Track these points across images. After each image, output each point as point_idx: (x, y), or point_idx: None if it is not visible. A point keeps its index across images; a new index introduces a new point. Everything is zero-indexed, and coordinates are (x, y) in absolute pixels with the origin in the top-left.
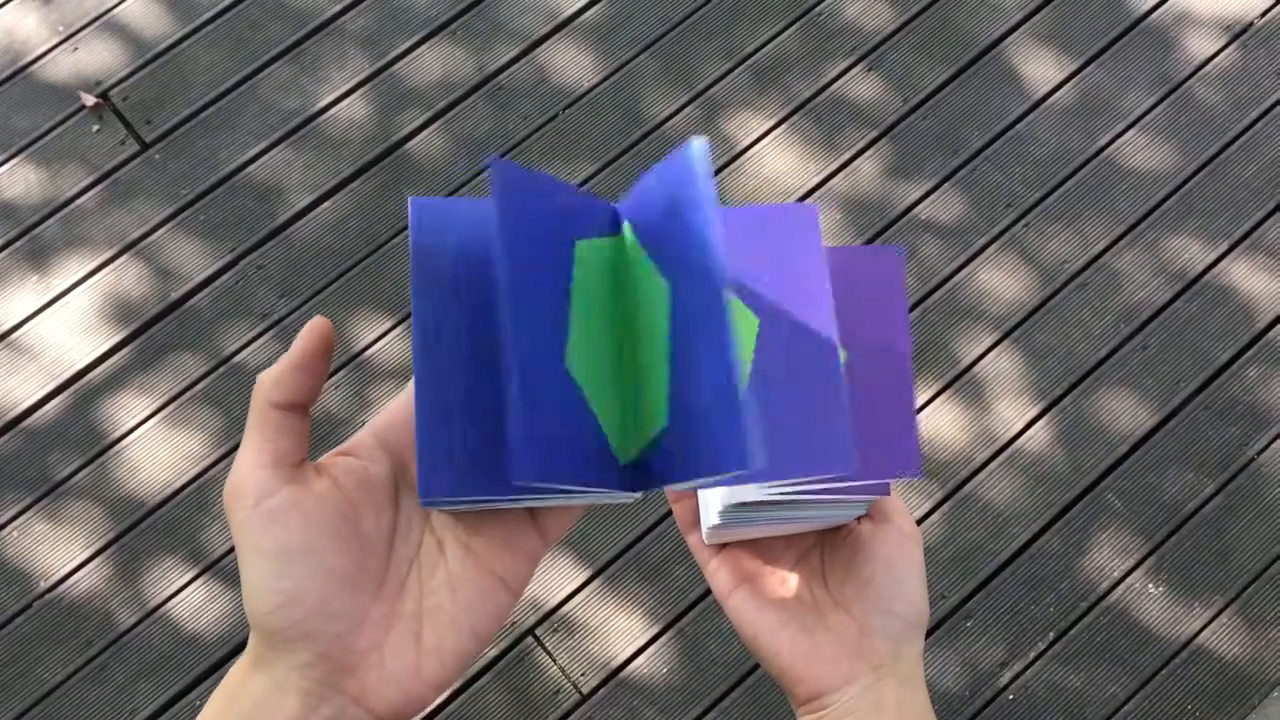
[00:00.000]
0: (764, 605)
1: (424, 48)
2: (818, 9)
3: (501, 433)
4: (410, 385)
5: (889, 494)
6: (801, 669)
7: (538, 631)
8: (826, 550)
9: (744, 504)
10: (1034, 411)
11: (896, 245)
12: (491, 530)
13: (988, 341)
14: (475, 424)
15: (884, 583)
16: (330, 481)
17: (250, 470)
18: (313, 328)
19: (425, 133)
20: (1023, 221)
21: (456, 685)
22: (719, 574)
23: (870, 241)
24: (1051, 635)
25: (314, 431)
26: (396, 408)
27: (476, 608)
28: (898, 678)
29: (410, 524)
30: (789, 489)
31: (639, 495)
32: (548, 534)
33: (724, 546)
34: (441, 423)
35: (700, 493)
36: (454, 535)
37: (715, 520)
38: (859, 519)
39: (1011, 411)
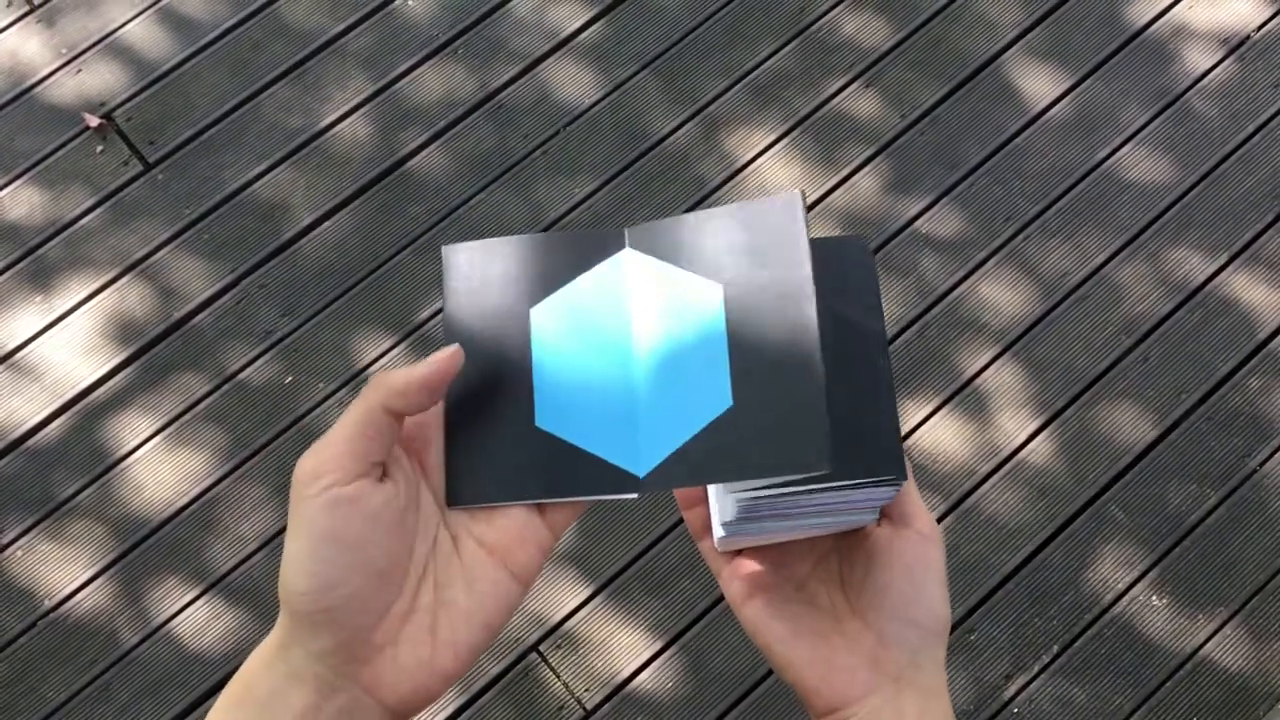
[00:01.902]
0: (778, 614)
1: (425, 67)
2: (815, 26)
3: (519, 446)
4: None
5: (894, 497)
6: (818, 680)
7: (541, 647)
8: (843, 556)
9: (748, 508)
10: (1036, 424)
11: (859, 235)
12: (504, 525)
13: (989, 355)
14: (497, 437)
15: (902, 589)
16: (393, 484)
17: (336, 455)
18: (452, 355)
19: (427, 151)
20: (1022, 235)
21: (460, 702)
22: (732, 582)
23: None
24: (1056, 648)
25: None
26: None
27: (489, 601)
28: (918, 689)
29: (428, 521)
30: (769, 492)
31: (637, 495)
32: (555, 527)
33: (737, 553)
34: (468, 437)
35: (711, 499)
36: (468, 530)
37: (724, 529)
38: (878, 522)
39: (1013, 424)
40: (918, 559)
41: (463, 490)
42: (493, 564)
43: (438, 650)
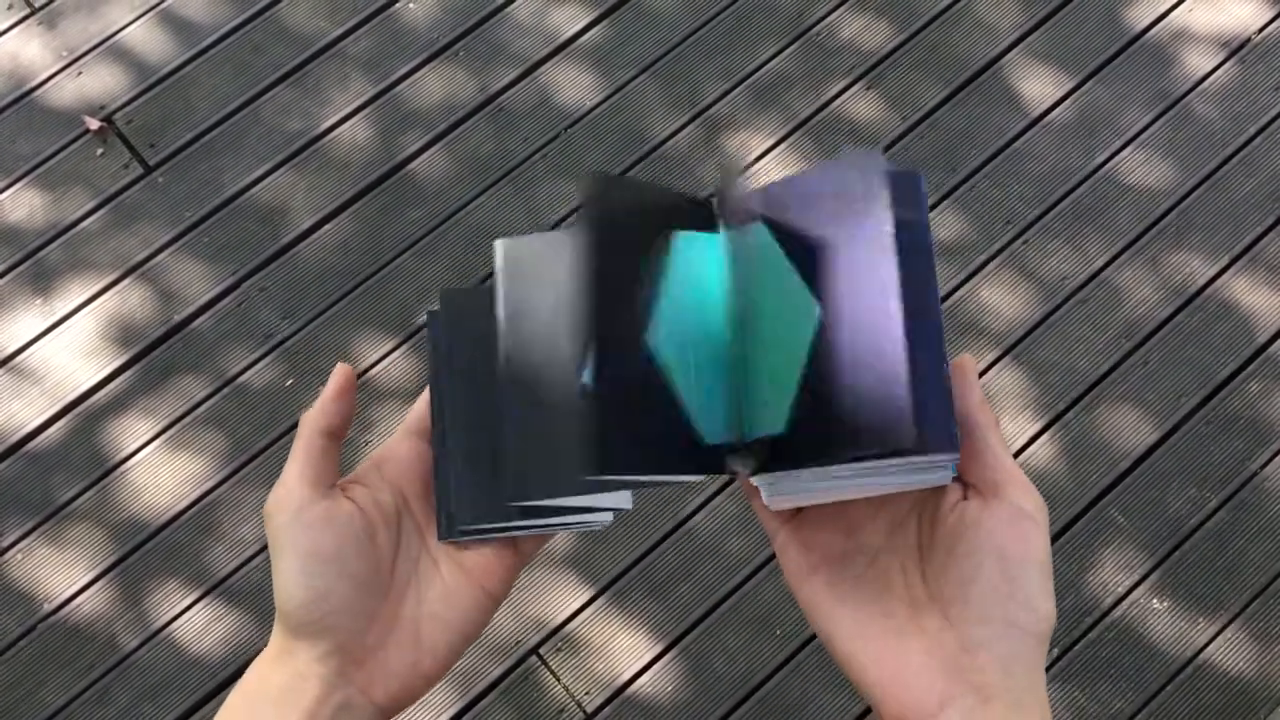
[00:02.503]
0: (844, 597)
1: (425, 70)
2: (816, 29)
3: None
4: (402, 428)
5: (955, 463)
6: (886, 683)
7: (541, 650)
8: (925, 524)
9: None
10: (1036, 428)
11: (915, 170)
12: (480, 550)
13: (989, 358)
14: (480, 477)
15: (993, 580)
16: (353, 503)
17: (295, 485)
18: (339, 369)
19: (427, 154)
20: (1023, 238)
21: (461, 704)
22: (788, 551)
23: None
24: (1056, 651)
25: None
26: (392, 446)
27: (467, 614)
28: (1008, 702)
29: (410, 542)
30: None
31: (610, 520)
32: (524, 552)
33: (796, 513)
34: (452, 477)
35: None
36: (447, 554)
37: (766, 488)
38: (964, 491)
39: (1014, 428)
40: (1013, 541)
41: (449, 529)
42: (470, 584)
43: (422, 655)
